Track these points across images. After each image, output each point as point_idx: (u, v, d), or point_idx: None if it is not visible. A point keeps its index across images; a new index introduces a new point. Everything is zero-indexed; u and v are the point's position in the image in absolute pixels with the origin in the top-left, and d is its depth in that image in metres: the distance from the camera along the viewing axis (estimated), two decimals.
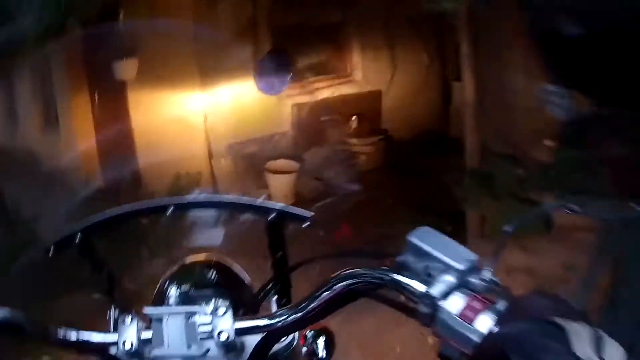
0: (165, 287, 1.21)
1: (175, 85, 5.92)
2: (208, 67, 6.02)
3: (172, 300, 1.15)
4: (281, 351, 1.17)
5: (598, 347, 0.66)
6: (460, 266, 0.78)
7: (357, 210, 5.49)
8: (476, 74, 5.05)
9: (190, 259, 1.35)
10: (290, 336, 1.20)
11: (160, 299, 1.18)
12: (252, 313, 1.14)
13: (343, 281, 0.87)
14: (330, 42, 7.37)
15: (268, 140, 6.51)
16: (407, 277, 0.80)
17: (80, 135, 5.59)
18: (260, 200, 1.27)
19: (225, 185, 6.17)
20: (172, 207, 1.28)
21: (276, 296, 1.29)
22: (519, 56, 4.92)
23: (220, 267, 1.31)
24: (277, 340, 1.10)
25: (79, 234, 1.19)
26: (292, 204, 1.53)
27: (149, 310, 0.95)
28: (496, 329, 0.71)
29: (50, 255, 1.17)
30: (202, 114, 6.16)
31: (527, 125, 4.96)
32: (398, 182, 6.54)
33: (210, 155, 6.14)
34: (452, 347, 0.75)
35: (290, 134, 6.85)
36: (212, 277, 1.27)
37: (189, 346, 0.92)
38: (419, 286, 0.79)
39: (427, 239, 0.83)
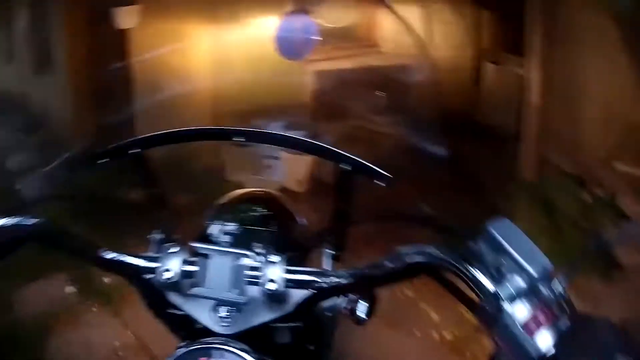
0: (215, 218, 1.15)
1: (179, 37, 5.35)
2: (221, 23, 5.43)
3: (220, 234, 1.05)
4: (325, 309, 1.08)
5: None
6: (534, 272, 0.73)
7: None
8: (542, 63, 4.19)
9: (244, 191, 1.33)
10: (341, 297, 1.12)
11: (208, 231, 1.11)
12: (302, 259, 1.12)
13: (413, 256, 0.83)
14: (360, 5, 6.57)
15: (283, 110, 5.77)
16: (478, 270, 0.77)
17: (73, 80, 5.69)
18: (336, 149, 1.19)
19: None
20: (242, 137, 1.21)
21: (329, 248, 1.21)
22: (607, 45, 3.85)
23: (275, 205, 1.28)
24: (326, 298, 1.00)
25: (135, 147, 1.16)
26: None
27: (196, 244, 0.94)
28: (554, 351, 0.69)
29: (99, 162, 1.15)
30: (208, 75, 5.48)
31: (603, 139, 4.09)
32: (422, 172, 5.79)
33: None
34: (506, 355, 0.72)
35: (308, 105, 6.10)
36: (266, 212, 1.23)
37: (231, 290, 0.90)
38: (488, 284, 0.76)
39: (505, 233, 0.77)
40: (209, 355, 0.87)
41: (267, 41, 5.47)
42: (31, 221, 0.90)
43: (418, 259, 0.84)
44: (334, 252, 1.22)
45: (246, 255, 0.93)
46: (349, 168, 1.16)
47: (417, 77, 6.95)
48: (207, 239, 1.06)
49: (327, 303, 1.10)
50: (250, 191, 1.40)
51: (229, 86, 5.47)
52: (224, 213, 1.23)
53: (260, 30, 5.62)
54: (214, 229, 1.09)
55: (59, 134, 6.47)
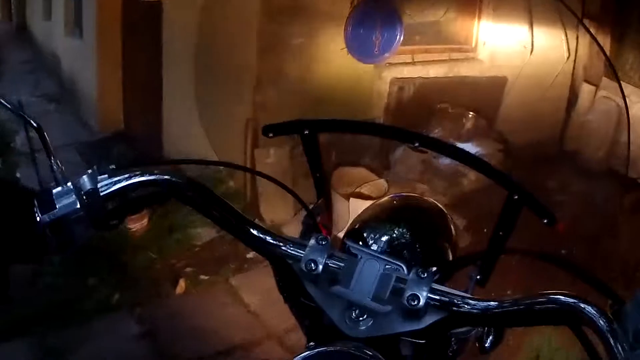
0: (369, 218, 1.17)
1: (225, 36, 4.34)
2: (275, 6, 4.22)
3: (373, 237, 1.06)
4: (457, 332, 1.01)
5: None
6: None
7: None
8: None
9: (404, 195, 1.35)
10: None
11: (360, 229, 1.12)
12: (447, 276, 1.09)
13: (550, 303, 0.82)
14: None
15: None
16: (617, 332, 0.74)
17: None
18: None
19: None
20: (418, 142, 1.12)
21: (476, 272, 1.09)
22: None
23: (434, 213, 1.25)
24: (462, 326, 0.96)
25: (307, 126, 1.15)
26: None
27: (350, 243, 0.94)
28: None
29: (270, 136, 1.16)
30: (252, 79, 4.24)
31: None
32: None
33: (254, 145, 4.18)
34: None
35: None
36: (424, 220, 1.22)
37: (374, 298, 0.88)
38: (626, 347, 0.72)
39: None
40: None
41: (332, 37, 4.26)
42: (181, 177, 0.93)
43: (563, 306, 0.80)
44: (479, 277, 1.09)
45: (397, 265, 0.91)
46: (516, 201, 1.03)
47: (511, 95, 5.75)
48: (357, 237, 1.05)
49: (463, 332, 1.00)
50: (410, 196, 1.37)
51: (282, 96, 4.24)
52: (379, 214, 1.20)
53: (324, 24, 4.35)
54: (367, 229, 1.10)
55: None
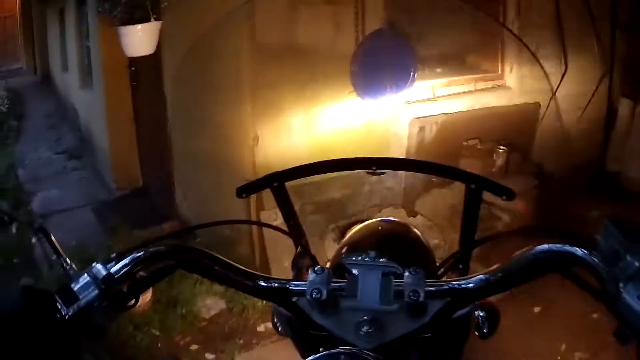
0: (347, 246, 1.21)
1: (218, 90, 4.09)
2: (267, 50, 3.81)
3: (360, 255, 1.08)
4: (458, 319, 1.06)
5: None
6: None
7: None
8: None
9: (375, 222, 1.36)
10: (469, 306, 1.10)
11: (342, 257, 1.15)
12: (431, 277, 1.14)
13: (534, 254, 0.91)
14: (476, 23, 4.77)
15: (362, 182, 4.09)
16: (595, 257, 0.84)
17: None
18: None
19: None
20: (374, 166, 1.32)
21: (457, 270, 1.26)
22: None
23: (407, 233, 1.32)
24: (460, 307, 1.02)
25: (276, 178, 1.28)
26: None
27: (350, 261, 1.02)
28: None
29: (244, 196, 1.29)
30: (249, 137, 3.83)
31: None
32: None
33: (259, 207, 3.78)
34: (627, 327, 0.79)
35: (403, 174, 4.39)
36: (397, 243, 1.28)
37: (381, 301, 0.96)
38: (605, 267, 0.83)
39: (620, 225, 0.83)
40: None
41: (337, 79, 3.84)
42: (184, 249, 1.00)
43: (540, 256, 0.90)
44: (461, 268, 1.25)
45: (392, 267, 0.99)
46: (476, 188, 1.25)
47: (546, 121, 5.28)
48: (345, 261, 1.08)
49: (459, 313, 1.04)
50: (388, 219, 1.39)
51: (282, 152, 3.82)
52: (364, 234, 1.27)
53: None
54: (356, 248, 1.13)
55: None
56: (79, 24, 7.53)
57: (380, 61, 3.88)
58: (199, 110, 4.15)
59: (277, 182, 1.29)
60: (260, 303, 3.82)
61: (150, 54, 4.21)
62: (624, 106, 6.01)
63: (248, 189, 1.32)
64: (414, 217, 4.06)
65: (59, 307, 0.89)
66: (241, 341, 3.69)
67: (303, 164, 1.33)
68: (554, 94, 5.35)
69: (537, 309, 3.99)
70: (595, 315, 3.77)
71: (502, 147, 4.57)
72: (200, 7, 3.96)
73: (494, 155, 4.57)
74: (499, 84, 4.87)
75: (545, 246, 0.90)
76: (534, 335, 3.76)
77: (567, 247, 0.88)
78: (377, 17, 4.02)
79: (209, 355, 3.58)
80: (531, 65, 5.12)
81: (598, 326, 3.69)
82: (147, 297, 3.67)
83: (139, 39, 4.07)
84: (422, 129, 4.28)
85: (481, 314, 1.31)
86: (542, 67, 4.42)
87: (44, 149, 8.41)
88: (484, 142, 4.65)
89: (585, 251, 0.86)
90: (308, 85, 3.81)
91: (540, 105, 5.16)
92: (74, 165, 7.67)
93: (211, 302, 3.88)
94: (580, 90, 5.62)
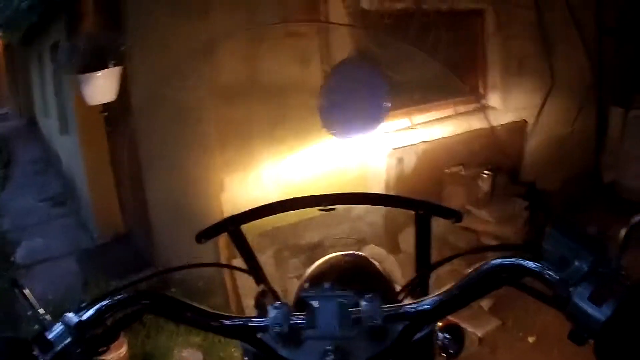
0: (308, 280, 1.26)
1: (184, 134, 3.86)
2: (231, 90, 3.57)
3: (319, 288, 1.09)
4: (420, 341, 1.09)
5: None
6: (591, 256, 0.83)
7: None
8: None
9: (334, 256, 1.39)
10: (429, 327, 1.14)
11: (302, 291, 1.16)
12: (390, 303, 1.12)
13: (486, 270, 0.93)
14: (454, 43, 4.58)
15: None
16: (543, 266, 0.87)
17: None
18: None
19: None
20: (324, 202, 1.37)
21: (415, 295, 1.25)
22: None
23: (366, 266, 1.36)
24: (419, 329, 1.05)
25: (232, 222, 1.33)
26: None
27: (306, 294, 1.02)
28: (618, 316, 0.78)
29: (202, 242, 1.33)
30: (217, 182, 3.65)
31: None
32: None
33: (232, 255, 3.57)
34: (581, 329, 0.83)
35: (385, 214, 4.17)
36: (355, 274, 1.32)
37: (340, 329, 0.97)
38: (553, 273, 0.86)
39: (563, 230, 0.86)
40: None
41: (306, 115, 3.67)
42: (149, 294, 1.01)
43: (491, 270, 0.92)
44: (421, 296, 1.15)
45: (348, 296, 1.00)
46: (424, 214, 1.32)
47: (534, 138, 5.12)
48: (303, 294, 1.07)
49: (420, 335, 1.07)
50: (347, 253, 1.41)
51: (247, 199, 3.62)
52: (322, 268, 1.31)
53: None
54: (315, 282, 1.18)
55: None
56: (55, 69, 7.41)
57: (351, 93, 3.71)
58: (167, 157, 3.99)
59: (233, 225, 1.35)
60: (238, 354, 3.65)
61: (118, 99, 4.06)
62: (615, 115, 5.88)
63: (206, 234, 1.35)
64: (396, 255, 3.87)
65: (37, 354, 0.92)
66: None
67: (257, 206, 1.36)
68: (541, 108, 5.20)
69: (531, 339, 3.89)
70: (592, 341, 3.61)
71: (486, 172, 4.37)
72: (163, 47, 3.81)
73: (479, 181, 4.37)
74: (482, 105, 4.67)
75: (497, 260, 0.92)
76: None
77: (517, 260, 0.91)
78: (345, 46, 3.81)
79: None
80: (516, 81, 4.96)
81: (594, 356, 3.54)
82: (122, 352, 3.50)
83: (99, 86, 3.91)
84: (400, 160, 4.08)
85: (446, 336, 1.40)
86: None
87: (29, 196, 8.32)
88: (468, 168, 4.45)
89: (534, 262, 0.89)
90: (276, 125, 3.62)
91: (527, 122, 4.99)
92: (58, 212, 7.58)
93: (188, 355, 3.72)
94: (569, 102, 5.46)
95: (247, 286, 3.78)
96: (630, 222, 0.87)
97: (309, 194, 1.38)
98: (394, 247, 3.98)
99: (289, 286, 3.52)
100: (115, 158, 5.86)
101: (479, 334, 3.81)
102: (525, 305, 4.07)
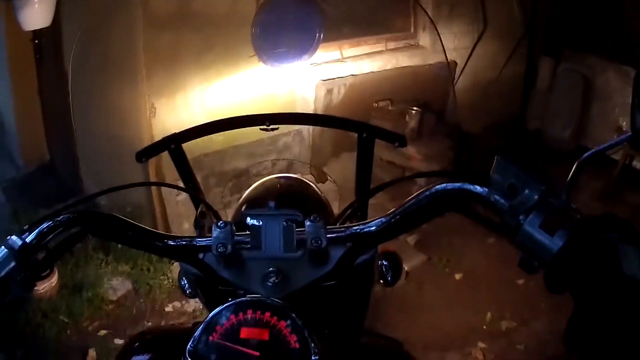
0: (247, 201, 1.33)
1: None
2: (161, 19, 3.56)
3: (262, 203, 1.17)
4: (361, 265, 1.12)
5: None
6: (542, 186, 0.83)
7: None
8: None
9: (270, 178, 1.46)
10: (372, 251, 1.17)
11: (243, 212, 1.25)
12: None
13: (432, 194, 0.93)
14: None
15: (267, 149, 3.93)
16: (491, 192, 0.88)
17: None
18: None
19: None
20: (267, 121, 1.39)
21: (357, 218, 1.28)
22: None
23: (301, 187, 1.44)
24: (362, 252, 1.07)
25: (173, 141, 1.35)
26: None
27: (251, 212, 1.05)
28: (568, 245, 0.80)
29: (143, 161, 1.37)
30: (145, 109, 3.65)
31: None
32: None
33: (160, 178, 3.60)
34: (531, 257, 0.83)
35: (307, 134, 4.22)
36: (295, 195, 1.40)
37: (284, 250, 0.99)
38: (502, 200, 0.87)
39: (512, 160, 0.86)
40: (253, 308, 0.91)
41: (237, 44, 3.65)
42: (91, 214, 0.98)
43: (438, 195, 0.92)
44: (359, 215, 1.30)
45: (294, 215, 1.00)
46: (368, 137, 1.34)
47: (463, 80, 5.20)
48: (246, 214, 1.10)
49: (362, 259, 1.09)
50: (281, 176, 1.48)
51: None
52: (265, 187, 1.37)
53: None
54: (257, 201, 1.26)
55: None
56: None
57: (284, 22, 3.70)
58: (97, 85, 3.94)
59: (174, 144, 1.36)
60: (167, 282, 3.68)
61: (51, 27, 3.96)
62: (544, 65, 5.98)
63: (147, 153, 1.37)
64: (323, 182, 3.93)
65: None
66: (149, 323, 3.54)
67: (198, 124, 1.37)
68: (471, 51, 5.29)
69: (458, 276, 3.93)
70: (520, 282, 3.71)
71: (414, 108, 4.45)
72: None
73: (407, 116, 4.45)
74: (412, 43, 4.73)
75: (443, 185, 0.92)
76: (458, 305, 3.69)
77: (465, 185, 0.90)
78: None
79: (117, 341, 3.41)
80: (447, 23, 5.02)
81: (523, 293, 3.64)
82: (53, 282, 3.50)
83: (34, 11, 3.79)
84: (329, 91, 4.12)
85: (384, 263, 1.42)
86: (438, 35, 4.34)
87: None
88: (395, 104, 4.52)
89: (482, 188, 0.89)
90: (205, 52, 3.61)
91: (456, 64, 5.07)
92: None
93: (117, 284, 3.71)
94: (500, 48, 5.55)
95: (176, 213, 3.81)
96: (580, 158, 0.90)
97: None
98: (320, 177, 4.05)
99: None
100: (43, 87, 5.73)
101: (406, 268, 3.85)
102: (450, 242, 4.18)
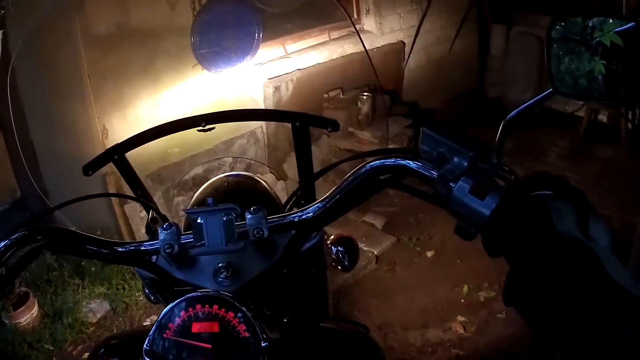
0: (196, 203, 1.44)
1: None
2: (102, 37, 3.55)
3: (204, 201, 1.12)
4: (309, 250, 1.18)
5: (584, 224, 0.77)
6: (470, 152, 0.83)
7: None
8: None
9: (217, 177, 1.54)
10: (317, 236, 1.21)
11: (194, 203, 1.44)
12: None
13: (364, 172, 0.94)
14: None
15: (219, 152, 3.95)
16: (423, 164, 0.89)
17: None
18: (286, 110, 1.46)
19: None
20: (203, 122, 1.40)
21: (301, 205, 1.29)
22: None
23: (247, 183, 1.52)
24: (307, 237, 1.12)
25: (116, 151, 1.38)
26: None
27: (189, 210, 1.03)
28: (500, 206, 0.79)
29: (90, 174, 1.36)
30: (97, 131, 3.70)
31: None
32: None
33: (123, 202, 3.64)
34: (466, 223, 0.83)
35: (261, 134, 4.25)
36: (240, 190, 1.47)
37: (227, 243, 1.00)
38: (433, 170, 0.87)
39: (439, 130, 0.88)
40: (202, 302, 0.94)
41: (179, 54, 3.70)
42: (44, 229, 0.99)
43: (370, 172, 0.93)
44: (303, 203, 1.30)
45: (232, 209, 1.00)
46: (301, 125, 1.35)
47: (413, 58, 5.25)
48: (191, 213, 1.09)
49: (309, 244, 1.17)
50: (228, 175, 1.53)
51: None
52: (205, 194, 1.44)
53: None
54: (201, 200, 1.37)
55: None
56: None
57: (222, 27, 3.73)
58: (52, 113, 3.95)
59: (117, 154, 1.38)
60: (142, 298, 3.72)
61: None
62: (497, 32, 6.03)
63: (92, 166, 1.36)
64: (285, 180, 3.98)
65: None
66: None
67: (136, 133, 1.39)
68: (418, 29, 5.34)
69: (430, 254, 3.94)
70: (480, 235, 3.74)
71: (365, 94, 4.48)
72: (37, 5, 3.74)
73: (358, 102, 4.48)
74: (356, 30, 4.79)
75: (377, 162, 0.93)
76: (433, 282, 3.69)
77: (396, 160, 0.91)
78: None
79: None
80: (390, 4, 5.05)
81: (498, 262, 3.67)
82: (34, 313, 3.54)
83: None
84: (277, 88, 4.14)
85: (340, 249, 1.47)
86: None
87: None
88: (347, 92, 4.56)
89: (413, 161, 0.90)
90: (151, 67, 3.64)
91: (404, 43, 5.12)
92: None
93: (95, 306, 3.73)
94: (449, 22, 5.60)
95: (141, 229, 3.84)
96: (507, 117, 0.94)
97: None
98: (280, 176, 4.09)
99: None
100: (2, 120, 5.73)
101: (376, 252, 3.86)
102: (418, 221, 4.19)
